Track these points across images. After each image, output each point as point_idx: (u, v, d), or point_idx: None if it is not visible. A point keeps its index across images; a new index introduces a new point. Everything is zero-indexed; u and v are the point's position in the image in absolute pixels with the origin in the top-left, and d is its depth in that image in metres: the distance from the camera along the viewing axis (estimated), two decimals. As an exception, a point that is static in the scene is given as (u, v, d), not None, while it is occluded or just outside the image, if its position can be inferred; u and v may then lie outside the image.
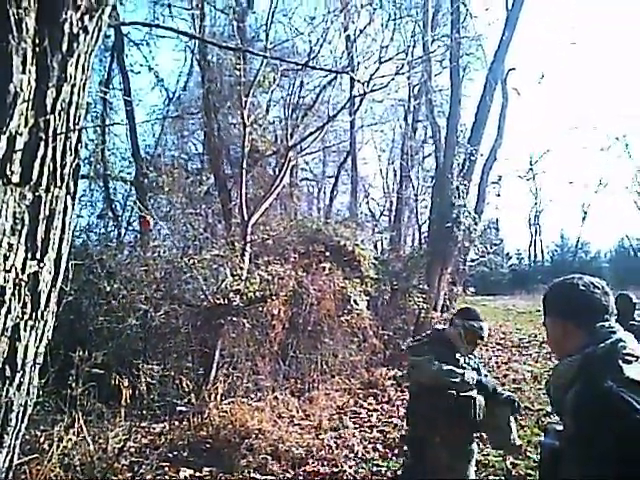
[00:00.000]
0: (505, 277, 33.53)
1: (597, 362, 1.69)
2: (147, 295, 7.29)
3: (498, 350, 13.38)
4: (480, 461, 5.99)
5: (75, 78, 2.06)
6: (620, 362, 1.67)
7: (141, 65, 12.53)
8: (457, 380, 3.45)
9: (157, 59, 22.27)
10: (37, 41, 1.88)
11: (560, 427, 1.87)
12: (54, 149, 2.08)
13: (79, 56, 2.04)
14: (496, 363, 11.82)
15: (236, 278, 7.32)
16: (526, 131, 56.68)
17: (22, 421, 2.18)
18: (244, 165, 8.39)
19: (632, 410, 1.54)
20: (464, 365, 3.63)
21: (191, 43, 11.40)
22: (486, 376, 3.77)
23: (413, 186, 17.35)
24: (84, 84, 2.14)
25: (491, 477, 5.57)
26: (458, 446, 3.54)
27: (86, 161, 10.73)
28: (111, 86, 12.84)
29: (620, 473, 1.51)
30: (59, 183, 2.13)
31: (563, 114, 64.39)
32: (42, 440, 4.61)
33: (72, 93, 2.07)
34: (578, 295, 1.88)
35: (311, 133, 9.58)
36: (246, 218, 7.99)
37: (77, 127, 2.20)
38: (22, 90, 1.87)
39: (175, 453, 5.79)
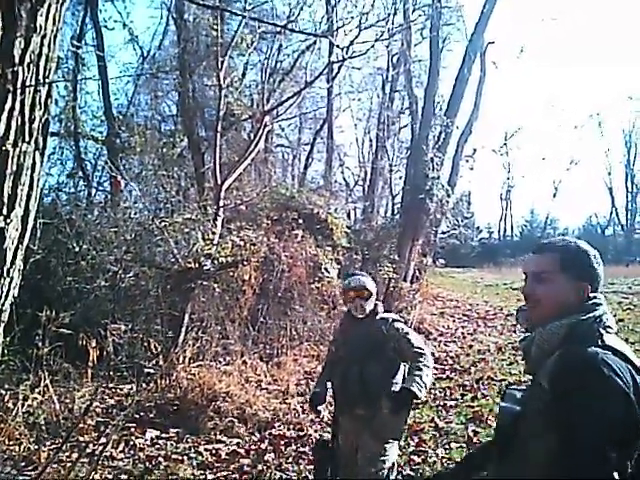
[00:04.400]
0: (475, 250, 33.95)
1: (583, 330, 1.75)
2: (117, 256, 7.23)
3: (465, 321, 13.61)
4: (442, 428, 6.17)
5: (45, 29, 1.99)
6: (602, 331, 1.74)
7: (115, 21, 12.22)
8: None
9: (132, 15, 21.61)
10: (4, -13, 1.80)
11: (520, 394, 1.90)
12: (22, 102, 2.02)
13: (50, 6, 1.97)
14: (462, 334, 12.04)
15: (208, 242, 7.28)
16: (502, 106, 57.05)
17: (-14, 378, 2.17)
18: (219, 128, 8.25)
19: (613, 372, 1.60)
20: (362, 331, 3.51)
21: (167, 0, 11.12)
22: (399, 331, 3.49)
23: (388, 156, 17.37)
24: (55, 36, 2.08)
25: (453, 444, 5.71)
26: (362, 419, 3.44)
27: (56, 118, 10.48)
28: (84, 41, 12.46)
29: (602, 434, 1.56)
30: (27, 138, 2.08)
31: (540, 91, 64.80)
32: (7, 399, 4.57)
33: (42, 45, 2.01)
34: (598, 262, 1.89)
35: (288, 98, 9.45)
36: (219, 182, 7.90)
37: (47, 81, 2.13)
38: (-13, 39, 1.79)
39: (142, 414, 5.81)
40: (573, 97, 65.67)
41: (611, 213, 43.83)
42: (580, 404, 1.60)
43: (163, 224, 7.37)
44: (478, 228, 39.83)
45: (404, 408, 3.33)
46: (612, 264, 25.55)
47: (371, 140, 20.52)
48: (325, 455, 3.50)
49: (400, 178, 16.36)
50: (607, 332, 1.76)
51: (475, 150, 15.31)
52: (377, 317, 3.58)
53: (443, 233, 14.83)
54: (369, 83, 18.89)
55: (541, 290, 1.91)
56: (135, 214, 8.24)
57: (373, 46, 9.16)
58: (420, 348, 3.44)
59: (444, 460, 5.26)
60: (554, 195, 39.33)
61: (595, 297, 1.85)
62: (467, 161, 15.04)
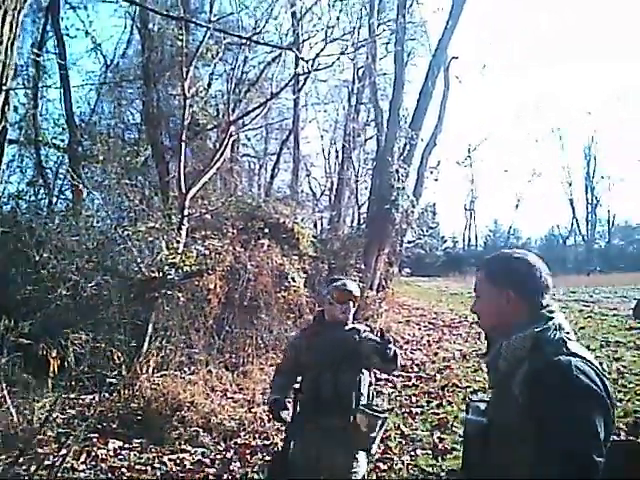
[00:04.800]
0: (440, 259, 34.39)
1: (548, 341, 1.79)
2: (78, 265, 7.12)
3: (430, 329, 13.75)
4: (408, 435, 6.22)
5: (2, 36, 1.98)
6: (565, 338, 1.81)
7: (77, 29, 12.07)
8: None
9: (95, 24, 21.28)
10: (-41, -7, 1.80)
11: (483, 405, 1.99)
12: None
13: (5, 13, 1.96)
14: (427, 342, 12.16)
15: (172, 251, 7.22)
16: (468, 118, 58.08)
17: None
18: (183, 137, 8.23)
19: (588, 378, 1.67)
20: (339, 336, 3.37)
21: (131, 9, 11.07)
22: (370, 338, 3.33)
23: (354, 167, 17.49)
24: (12, 43, 2.07)
25: (419, 451, 5.77)
26: (332, 430, 3.26)
27: (16, 125, 10.30)
28: (45, 49, 12.31)
29: (591, 439, 1.61)
30: None
31: (503, 104, 66.12)
32: (-39, 410, 4.47)
33: (-2, 51, 2.00)
34: (526, 268, 1.93)
35: (254, 109, 9.48)
36: (184, 191, 7.86)
37: (4, 88, 2.12)
38: (-57, 44, 1.79)
39: (104, 424, 5.73)
40: (537, 109, 67.06)
41: (572, 224, 44.97)
42: (564, 413, 1.64)
43: (126, 233, 7.31)
44: (443, 238, 40.37)
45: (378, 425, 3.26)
46: (573, 273, 26.22)
47: (337, 151, 20.68)
48: (283, 468, 3.34)
49: (366, 188, 16.45)
50: (569, 339, 1.82)
51: (439, 162, 15.64)
52: (348, 325, 3.47)
53: (409, 243, 15.02)
54: (335, 95, 19.12)
55: (478, 304, 2.08)
56: (97, 223, 8.17)
57: (339, 59, 9.31)
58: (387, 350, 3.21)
59: (410, 467, 5.29)
60: (516, 206, 40.25)
61: (547, 305, 1.91)
62: (432, 172, 15.32)
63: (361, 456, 3.34)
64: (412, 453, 5.69)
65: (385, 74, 15.74)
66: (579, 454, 1.60)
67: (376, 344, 3.11)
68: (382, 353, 3.04)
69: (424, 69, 14.31)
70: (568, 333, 1.84)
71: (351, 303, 3.45)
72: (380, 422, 3.24)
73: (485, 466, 1.86)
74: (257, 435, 5.92)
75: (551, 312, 1.88)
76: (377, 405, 3.36)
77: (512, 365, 1.82)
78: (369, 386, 3.40)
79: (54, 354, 5.78)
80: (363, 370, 3.37)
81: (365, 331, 3.46)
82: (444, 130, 15.34)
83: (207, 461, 5.31)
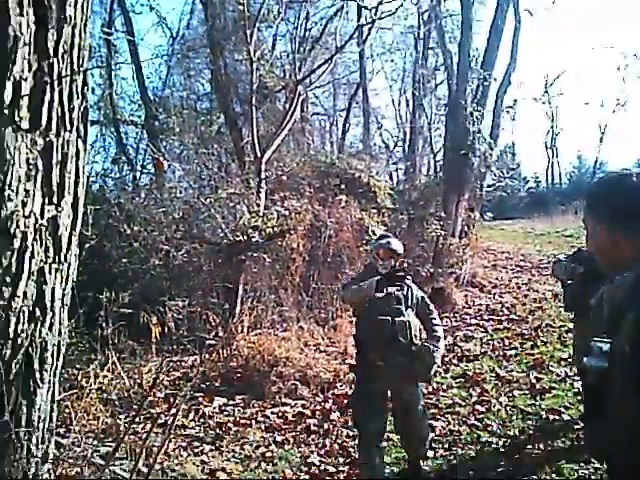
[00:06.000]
0: (523, 201, 33.16)
1: None
2: (167, 236, 7.43)
3: (518, 272, 13.50)
4: (504, 377, 6.20)
5: (75, 19, 2.05)
6: None
7: (142, 5, 12.24)
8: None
9: (158, -2, 21.51)
10: (32, -19, 1.86)
11: (606, 346, 1.56)
12: (60, 93, 2.09)
13: (76, -5, 2.04)
14: (516, 284, 11.94)
15: (253, 215, 7.40)
16: (541, 53, 55.01)
17: (57, 359, 2.31)
18: (253, 102, 8.31)
19: None
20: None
21: (192, -21, 11.11)
22: (421, 297, 4.04)
23: (426, 115, 17.02)
24: (84, 25, 2.14)
25: (516, 392, 5.74)
26: (399, 366, 3.74)
27: (95, 106, 10.70)
28: (113, 28, 12.59)
29: None
30: (69, 127, 2.16)
31: (578, 34, 61.91)
32: (80, 378, 4.82)
33: (73, 35, 2.07)
34: (631, 196, 1.53)
35: (319, 66, 9.38)
36: (259, 155, 7.98)
37: (81, 69, 2.21)
38: (22, 33, 1.86)
39: (207, 384, 6.05)
40: (616, 37, 62.53)
41: (665, 150, 42.02)
42: None
43: (208, 200, 7.53)
44: (525, 178, 38.87)
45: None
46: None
47: (407, 100, 20.09)
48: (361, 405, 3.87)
49: (440, 136, 15.95)
50: None
51: (516, 101, 14.92)
52: (404, 278, 3.86)
53: (489, 187, 14.55)
54: (401, 43, 18.41)
55: (588, 242, 1.73)
56: (180, 193, 8.42)
57: (402, 5, 9.03)
58: (436, 317, 4.06)
59: (508, 408, 5.31)
60: (601, 139, 37.84)
61: None
62: (508, 112, 14.63)
63: (421, 387, 3.97)
64: (509, 394, 5.71)
65: (452, 15, 15.01)
66: None
67: (424, 311, 3.97)
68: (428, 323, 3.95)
69: (492, 6, 13.59)
70: None
71: (393, 260, 3.96)
72: (435, 354, 3.79)
73: (606, 417, 1.57)
74: (353, 385, 6.09)
75: None
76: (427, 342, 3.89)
77: (617, 310, 1.51)
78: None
79: (154, 321, 6.12)
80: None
81: (410, 282, 4.00)
82: (518, 67, 14.57)
83: (307, 412, 5.52)
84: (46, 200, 2.11)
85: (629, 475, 1.47)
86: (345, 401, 5.51)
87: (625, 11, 57.09)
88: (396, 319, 3.79)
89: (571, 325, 5.61)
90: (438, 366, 4.13)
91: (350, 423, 4.67)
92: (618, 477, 1.60)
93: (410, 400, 3.87)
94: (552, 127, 39.83)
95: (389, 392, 3.88)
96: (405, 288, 3.92)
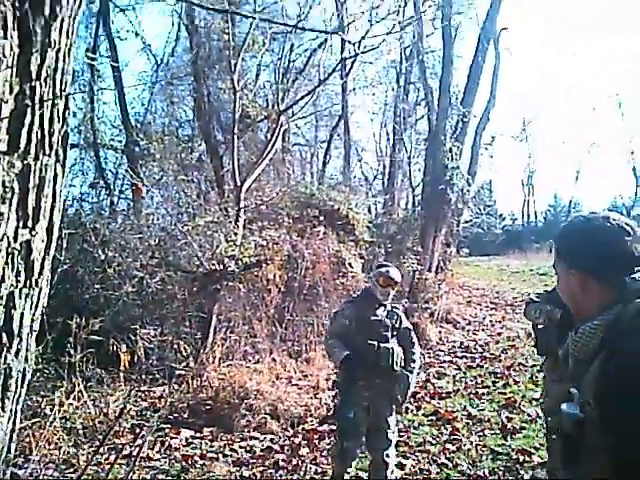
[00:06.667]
0: (499, 238, 33.59)
1: (628, 325, 1.36)
2: (142, 262, 7.36)
3: (492, 309, 13.59)
4: (475, 416, 6.19)
5: (59, 43, 2.04)
6: None
7: (127, 31, 12.28)
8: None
9: (144, 24, 21.62)
10: (17, 4, 1.85)
11: None
12: (41, 116, 2.07)
13: (62, 20, 2.02)
14: (490, 322, 12.01)
15: (231, 244, 7.36)
16: (521, 92, 56.47)
17: (22, 386, 2.23)
18: (235, 131, 8.33)
19: None
20: (380, 313, 4.19)
21: (177, 7, 11.21)
22: (407, 328, 4.33)
23: (406, 149, 17.23)
24: (69, 49, 2.13)
25: (487, 431, 5.74)
26: (377, 387, 4.07)
27: (76, 129, 10.64)
28: (98, 53, 12.59)
29: None
30: (48, 151, 2.13)
31: (557, 75, 63.72)
32: (43, 405, 4.71)
33: (57, 59, 2.06)
34: (602, 240, 1.48)
35: (302, 97, 9.46)
36: (239, 184, 7.98)
37: (64, 94, 2.19)
38: (5, 56, 1.85)
39: (175, 415, 5.95)
40: (594, 78, 64.48)
41: (636, 193, 42.92)
42: (624, 431, 1.28)
43: (186, 228, 7.49)
44: (501, 216, 39.49)
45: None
46: (640, 244, 25.21)
47: (388, 133, 20.39)
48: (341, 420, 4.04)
49: (419, 170, 16.15)
50: None
51: (494, 138, 15.19)
52: (387, 306, 4.27)
53: (466, 222, 14.73)
54: (383, 77, 18.70)
55: (558, 282, 1.68)
56: (158, 220, 8.38)
57: (385, 40, 9.20)
58: (417, 348, 4.34)
59: (478, 447, 5.30)
60: (576, 178, 38.74)
61: (634, 280, 1.43)
62: (486, 149, 14.91)
63: (394, 414, 4.23)
64: (480, 434, 5.71)
65: (433, 51, 15.37)
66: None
67: (407, 341, 4.24)
68: (408, 353, 4.18)
69: (473, 43, 13.96)
70: None
71: (390, 288, 4.21)
72: (411, 377, 4.12)
73: (580, 466, 1.49)
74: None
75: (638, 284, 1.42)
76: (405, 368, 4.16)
77: (582, 362, 1.45)
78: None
79: (124, 349, 6.02)
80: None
81: (401, 312, 4.37)
82: (497, 105, 14.91)
83: (276, 447, 5.44)
84: (20, 224, 2.05)
85: None
86: (315, 436, 5.46)
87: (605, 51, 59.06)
88: (381, 345, 4.06)
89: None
90: (412, 392, 4.36)
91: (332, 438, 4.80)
92: None
93: (383, 421, 4.15)
94: (529, 165, 40.74)
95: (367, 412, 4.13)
96: (395, 317, 4.26)
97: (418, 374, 4.43)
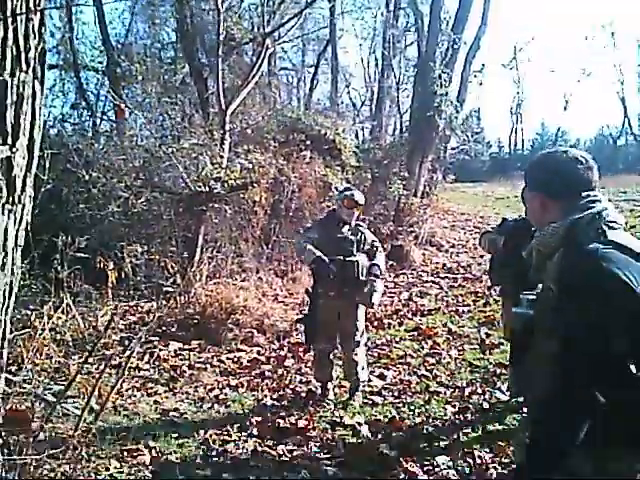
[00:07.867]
0: (485, 165, 33.60)
1: (582, 228, 1.69)
2: (127, 183, 7.37)
3: (476, 233, 13.75)
4: (455, 332, 6.44)
5: (32, -46, 2.04)
6: (604, 227, 1.69)
7: (107, -52, 11.80)
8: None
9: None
10: None
11: (532, 297, 1.94)
12: (15, 31, 2.07)
13: None
14: (473, 245, 12.21)
15: (216, 166, 7.38)
16: (512, 19, 54.93)
17: (9, 298, 2.35)
18: (220, 53, 8.18)
19: (614, 266, 1.58)
20: (345, 231, 4.52)
21: None
22: (373, 241, 4.68)
23: (395, 75, 16.96)
24: (42, -39, 2.12)
25: (466, 346, 5.98)
26: (345, 295, 4.44)
27: (54, 50, 10.39)
28: (76, -30, 12.11)
29: (604, 329, 1.56)
30: (24, 67, 2.14)
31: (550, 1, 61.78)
32: (33, 318, 4.78)
33: (28, -30, 2.06)
34: (560, 168, 1.82)
35: (289, 20, 9.24)
36: (224, 107, 7.92)
37: (38, 8, 2.20)
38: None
39: (164, 329, 6.15)
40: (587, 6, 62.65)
41: (623, 123, 42.50)
42: (579, 305, 1.59)
43: (170, 150, 7.47)
44: (488, 143, 39.16)
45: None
46: (624, 173, 25.34)
47: (377, 59, 20.05)
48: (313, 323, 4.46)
49: (408, 96, 15.92)
50: (610, 228, 1.70)
51: (484, 65, 14.90)
52: (352, 225, 4.60)
53: (453, 149, 14.70)
54: (372, 1, 18.22)
55: (528, 211, 2.08)
56: (142, 141, 8.34)
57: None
58: (380, 256, 4.66)
59: (457, 361, 5.54)
60: (565, 108, 38.31)
61: (588, 195, 1.77)
62: (475, 76, 14.67)
63: (361, 309, 4.61)
64: (460, 348, 5.94)
65: (424, -25, 14.88)
66: (580, 353, 1.58)
67: (373, 252, 4.62)
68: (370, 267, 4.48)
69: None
70: (612, 222, 1.72)
71: (355, 209, 4.52)
72: (377, 282, 4.43)
73: (529, 359, 1.85)
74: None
75: (592, 202, 1.75)
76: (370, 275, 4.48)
77: (544, 256, 1.79)
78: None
79: (111, 266, 6.15)
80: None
81: (364, 229, 4.70)
82: (488, 32, 14.54)
83: (262, 359, 5.68)
84: (0, 140, 2.11)
85: (545, 407, 1.70)
86: (300, 349, 5.69)
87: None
88: (347, 258, 4.40)
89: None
90: (380, 294, 4.62)
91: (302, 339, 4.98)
92: (535, 410, 1.88)
93: (352, 325, 4.57)
94: (518, 93, 40.17)
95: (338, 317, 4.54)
96: (359, 233, 4.58)
97: (383, 279, 4.83)
